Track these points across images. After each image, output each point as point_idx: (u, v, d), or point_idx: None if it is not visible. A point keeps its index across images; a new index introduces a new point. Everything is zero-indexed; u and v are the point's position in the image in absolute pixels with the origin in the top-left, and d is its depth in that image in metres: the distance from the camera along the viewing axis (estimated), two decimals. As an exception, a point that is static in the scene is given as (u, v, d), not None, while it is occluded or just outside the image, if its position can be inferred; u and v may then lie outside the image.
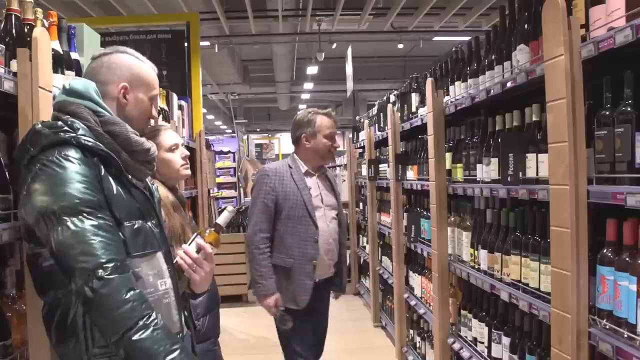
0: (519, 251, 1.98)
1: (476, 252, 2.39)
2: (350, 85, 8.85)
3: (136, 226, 1.31)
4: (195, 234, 1.55)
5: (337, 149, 2.66)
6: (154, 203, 1.46)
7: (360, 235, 5.84)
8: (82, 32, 1.98)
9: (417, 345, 3.56)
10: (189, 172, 2.19)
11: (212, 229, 1.55)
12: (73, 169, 1.20)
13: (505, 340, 2.13)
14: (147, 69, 1.44)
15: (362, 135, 5.34)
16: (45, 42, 1.53)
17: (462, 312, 2.62)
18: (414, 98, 3.48)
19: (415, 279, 3.55)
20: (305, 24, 9.43)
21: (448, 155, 2.74)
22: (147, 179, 1.49)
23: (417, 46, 11.30)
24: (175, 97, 3.44)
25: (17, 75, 1.47)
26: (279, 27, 9.34)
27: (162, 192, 1.93)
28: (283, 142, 16.23)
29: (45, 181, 1.19)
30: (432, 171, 2.79)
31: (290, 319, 2.46)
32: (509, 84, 1.99)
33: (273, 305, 2.46)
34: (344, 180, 6.84)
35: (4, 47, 1.47)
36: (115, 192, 1.28)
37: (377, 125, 4.66)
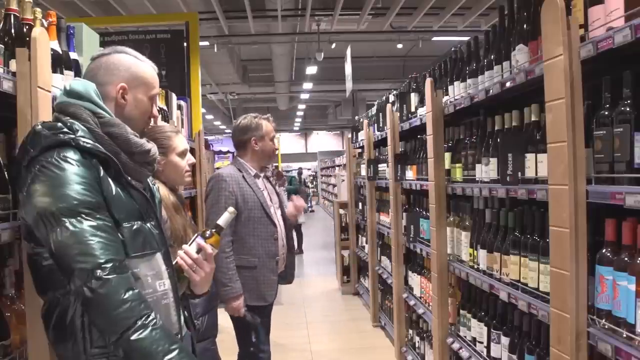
0: (518, 251, 1.98)
1: (475, 252, 2.39)
2: (349, 85, 8.87)
3: (135, 227, 1.31)
4: (196, 234, 1.55)
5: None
6: (154, 204, 1.46)
7: (360, 235, 5.83)
8: (81, 32, 1.97)
9: (416, 345, 3.56)
10: (190, 179, 2.27)
11: (213, 230, 1.55)
12: (72, 171, 1.20)
13: (505, 340, 2.13)
14: (146, 68, 1.42)
15: (361, 135, 5.35)
16: (44, 42, 1.53)
17: (461, 312, 2.63)
18: (413, 98, 3.49)
19: (415, 279, 3.55)
20: (304, 24, 9.44)
21: (447, 155, 2.74)
22: (148, 180, 1.48)
23: (416, 46, 11.32)
24: (174, 97, 3.45)
25: (16, 75, 1.47)
26: (278, 27, 9.34)
27: (163, 192, 1.94)
28: (282, 142, 16.19)
29: (44, 182, 1.19)
30: (431, 171, 2.79)
31: (255, 314, 2.58)
32: (508, 84, 1.99)
33: (243, 306, 2.53)
34: (343, 180, 6.84)
35: (2, 47, 1.47)
36: (114, 193, 1.28)
37: (376, 125, 4.66)
